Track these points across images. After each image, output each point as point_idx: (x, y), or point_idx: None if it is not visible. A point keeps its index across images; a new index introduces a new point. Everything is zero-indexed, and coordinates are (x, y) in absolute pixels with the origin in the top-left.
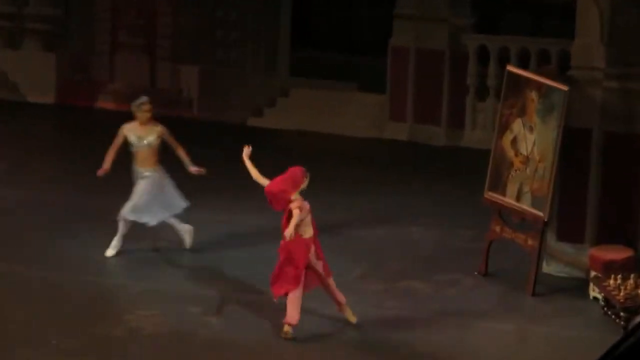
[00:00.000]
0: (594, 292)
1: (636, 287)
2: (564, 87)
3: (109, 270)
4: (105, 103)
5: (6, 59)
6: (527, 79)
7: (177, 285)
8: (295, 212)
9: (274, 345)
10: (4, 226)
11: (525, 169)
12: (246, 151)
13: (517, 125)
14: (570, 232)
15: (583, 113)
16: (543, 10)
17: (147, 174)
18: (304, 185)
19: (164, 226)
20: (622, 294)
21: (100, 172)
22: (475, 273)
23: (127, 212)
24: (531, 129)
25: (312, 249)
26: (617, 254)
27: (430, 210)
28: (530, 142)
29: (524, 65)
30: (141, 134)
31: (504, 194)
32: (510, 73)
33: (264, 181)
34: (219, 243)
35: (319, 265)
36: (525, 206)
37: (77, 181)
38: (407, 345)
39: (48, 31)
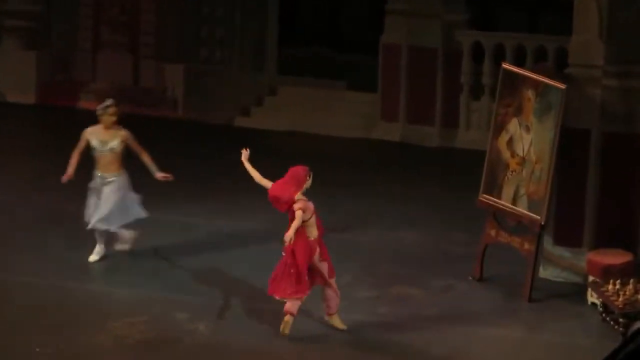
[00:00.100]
0: (592, 297)
1: (635, 292)
2: (562, 86)
3: (93, 276)
4: (87, 103)
5: None
6: (524, 77)
7: (164, 292)
8: (298, 214)
9: (264, 351)
10: None
11: (522, 170)
12: (245, 154)
13: (513, 125)
14: (568, 236)
15: (581, 112)
16: (540, 6)
17: (111, 179)
18: (307, 184)
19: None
20: (621, 299)
21: (65, 178)
22: (470, 278)
23: (97, 223)
24: (528, 129)
25: (317, 250)
26: (616, 258)
27: (423, 213)
28: (526, 142)
29: (520, 62)
30: (104, 139)
31: (499, 196)
32: (506, 71)
33: (266, 183)
34: (206, 248)
35: (323, 267)
36: (522, 209)
37: (59, 183)
38: (401, 352)
39: (28, 28)
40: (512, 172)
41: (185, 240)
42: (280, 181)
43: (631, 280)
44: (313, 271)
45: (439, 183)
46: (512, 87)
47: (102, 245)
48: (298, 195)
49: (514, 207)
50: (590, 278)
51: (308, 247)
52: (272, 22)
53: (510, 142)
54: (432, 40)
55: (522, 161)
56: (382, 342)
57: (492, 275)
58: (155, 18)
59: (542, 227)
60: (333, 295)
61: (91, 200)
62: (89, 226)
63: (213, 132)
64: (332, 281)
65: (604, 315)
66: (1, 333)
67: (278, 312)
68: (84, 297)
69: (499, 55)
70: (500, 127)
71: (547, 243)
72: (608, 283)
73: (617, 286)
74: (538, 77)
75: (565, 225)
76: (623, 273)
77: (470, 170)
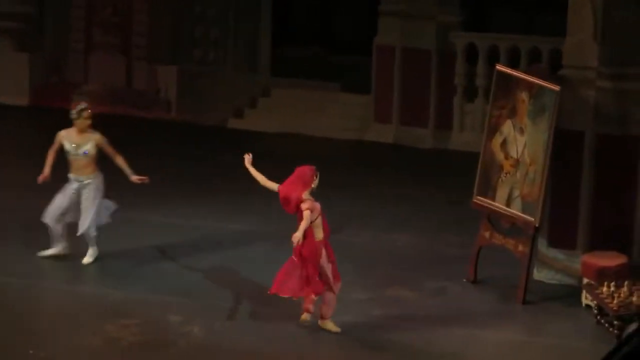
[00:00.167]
0: (586, 299)
1: (630, 294)
2: (556, 87)
3: (87, 278)
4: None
5: None
6: (518, 79)
7: (157, 294)
8: (306, 214)
9: (259, 353)
10: None
11: (516, 172)
12: (248, 158)
13: (507, 127)
14: (562, 238)
15: (575, 114)
16: (534, 7)
17: (87, 181)
18: (314, 184)
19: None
20: (615, 301)
21: (41, 179)
22: (464, 280)
23: (86, 229)
24: (522, 131)
25: (323, 252)
26: (611, 260)
27: (417, 215)
28: (520, 144)
29: (514, 64)
30: (78, 142)
31: (493, 198)
32: (500, 73)
33: (272, 185)
34: (201, 249)
35: (329, 269)
36: (516, 211)
37: (52, 185)
38: (395, 354)
39: (21, 30)
40: (506, 174)
41: (179, 242)
42: (287, 181)
43: (626, 283)
44: (320, 274)
45: (433, 185)
46: (506, 89)
47: (95, 247)
48: (305, 195)
49: (508, 209)
50: (585, 280)
51: (315, 247)
52: (266, 23)
53: (504, 143)
54: (426, 41)
55: (516, 163)
56: (376, 345)
57: (486, 277)
58: (148, 19)
59: (536, 229)
60: (332, 301)
61: (59, 201)
62: (79, 233)
63: (206, 133)
64: (337, 285)
65: (598, 317)
66: None
67: (273, 314)
68: (77, 299)
69: (493, 57)
70: (494, 129)
71: (542, 245)
72: (602, 285)
73: (612, 288)
74: (532, 79)
75: (560, 227)
76: (617, 275)
77: (464, 172)
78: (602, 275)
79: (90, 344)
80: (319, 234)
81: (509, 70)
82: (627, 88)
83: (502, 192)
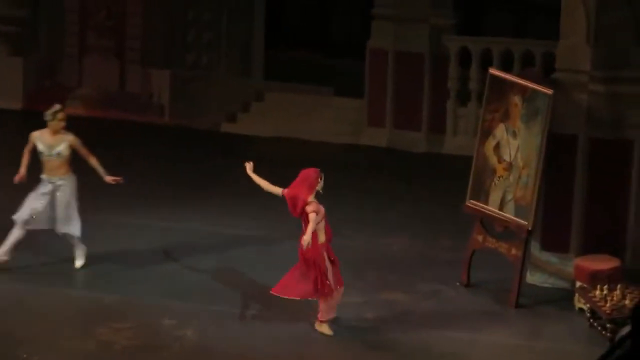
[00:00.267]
0: (579, 303)
1: (623, 298)
2: (549, 91)
3: (80, 282)
4: (73, 108)
5: None
6: (511, 83)
7: (150, 298)
8: (312, 216)
9: (252, 357)
10: None
11: (509, 176)
12: (249, 166)
13: (500, 131)
14: (555, 242)
15: (568, 118)
16: (527, 11)
17: (60, 182)
18: (319, 186)
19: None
20: (608, 305)
21: (17, 179)
22: (457, 284)
23: (65, 228)
24: (515, 135)
25: (325, 254)
26: (603, 264)
27: (410, 218)
28: (513, 148)
29: (507, 67)
30: (51, 143)
31: (486, 202)
32: (493, 76)
33: (276, 190)
34: (194, 252)
35: (330, 272)
36: (509, 214)
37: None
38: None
39: (15, 34)
40: (499, 177)
41: (172, 245)
42: (292, 185)
43: (618, 286)
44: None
45: (426, 189)
46: (499, 93)
47: (81, 248)
48: (311, 198)
49: (501, 212)
50: (578, 284)
51: (318, 251)
52: (259, 27)
53: (497, 147)
54: (419, 45)
55: (509, 167)
56: (369, 348)
57: (480, 280)
58: (142, 23)
59: (529, 233)
60: (333, 304)
61: (32, 203)
62: (76, 236)
63: (199, 138)
64: (339, 290)
65: (591, 320)
66: None
67: (267, 317)
68: (70, 302)
69: (486, 60)
70: (487, 133)
71: (535, 249)
72: (595, 289)
73: (605, 292)
74: (525, 83)
75: (553, 230)
76: (610, 279)
77: (457, 176)
78: (595, 278)
79: (83, 348)
80: (322, 237)
81: (502, 74)
82: (620, 91)
83: (495, 196)
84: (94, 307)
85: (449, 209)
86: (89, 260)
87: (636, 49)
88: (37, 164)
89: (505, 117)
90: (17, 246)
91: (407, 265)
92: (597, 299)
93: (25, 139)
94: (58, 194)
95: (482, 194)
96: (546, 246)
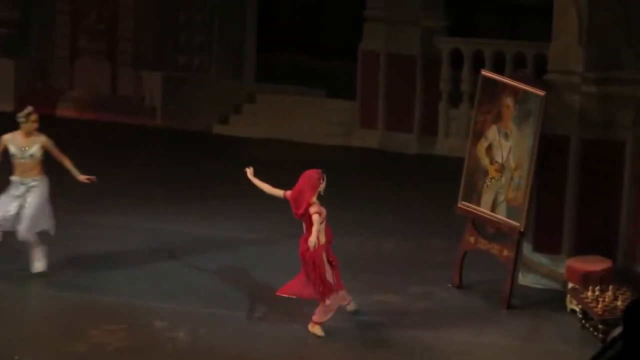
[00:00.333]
0: (571, 304)
1: (615, 299)
2: (541, 93)
3: (72, 283)
4: (65, 111)
5: None
6: (503, 84)
7: (143, 299)
8: (315, 217)
9: (243, 358)
10: None
11: (501, 177)
12: (249, 171)
13: (492, 132)
14: (547, 243)
15: (560, 119)
16: (519, 12)
17: (33, 184)
18: (321, 187)
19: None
20: (600, 306)
21: None
22: (449, 285)
23: (26, 232)
24: (507, 136)
25: (324, 254)
26: (595, 265)
27: (402, 220)
28: (505, 149)
29: (499, 69)
30: (24, 145)
31: (478, 203)
32: (485, 78)
33: (278, 192)
34: (186, 254)
35: (329, 274)
36: (501, 216)
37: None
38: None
39: (6, 36)
40: (491, 179)
41: (164, 247)
42: (296, 187)
43: (610, 287)
44: (324, 277)
45: (418, 190)
46: (491, 94)
47: (40, 251)
48: (313, 199)
49: (493, 214)
50: (570, 285)
51: (319, 252)
52: (251, 30)
53: (489, 149)
54: (411, 47)
55: (501, 168)
56: (361, 350)
57: (472, 282)
58: (133, 25)
59: (522, 234)
60: (333, 307)
61: (3, 204)
62: (20, 238)
63: (191, 140)
64: (339, 294)
65: (583, 321)
66: None
67: (257, 319)
68: (62, 304)
69: (478, 62)
70: (479, 134)
71: (527, 250)
72: (587, 290)
73: (597, 293)
74: (517, 84)
75: (545, 232)
76: (602, 280)
77: (449, 177)
78: (587, 279)
79: (75, 350)
80: (323, 238)
81: (494, 76)
82: (612, 92)
83: (487, 197)
84: (86, 309)
85: (441, 210)
86: (83, 261)
87: (628, 50)
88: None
89: (498, 119)
90: None
91: (399, 267)
92: (589, 300)
93: None
94: (30, 195)
95: (474, 196)
96: (538, 247)
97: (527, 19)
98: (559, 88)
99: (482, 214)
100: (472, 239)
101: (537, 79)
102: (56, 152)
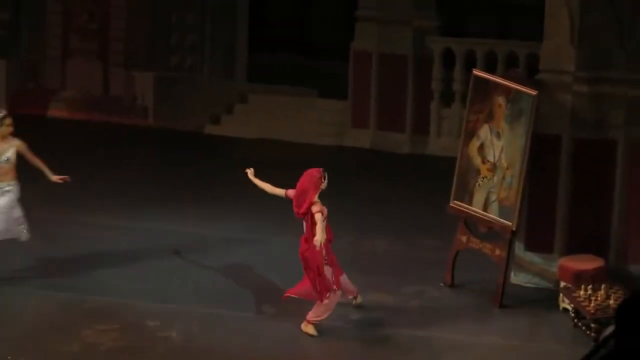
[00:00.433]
0: (563, 303)
1: (607, 297)
2: (533, 92)
3: (64, 284)
4: (57, 111)
5: None
6: (495, 84)
7: (135, 299)
8: (318, 216)
9: (234, 358)
10: None
11: (493, 176)
12: (250, 172)
13: (484, 132)
14: (539, 242)
15: (552, 118)
16: (511, 12)
17: (7, 188)
18: (323, 185)
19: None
20: (592, 305)
21: None
22: (441, 284)
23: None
24: (499, 135)
25: (323, 252)
26: (588, 264)
27: (394, 219)
28: (497, 148)
29: (491, 69)
30: (0, 150)
31: (470, 202)
32: (477, 77)
33: (279, 192)
34: (178, 254)
35: (329, 272)
36: (493, 215)
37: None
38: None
39: None
40: (483, 178)
41: (156, 247)
42: (297, 186)
43: (602, 286)
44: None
45: (410, 190)
46: (483, 94)
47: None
48: (315, 198)
49: (485, 213)
50: (562, 284)
51: (318, 251)
52: (242, 29)
53: (481, 148)
54: (403, 47)
55: (493, 167)
56: (354, 349)
57: (464, 281)
58: (125, 25)
59: (513, 233)
60: (329, 306)
61: None
62: None
63: (183, 140)
64: (337, 294)
65: (575, 320)
66: None
67: (250, 319)
68: (55, 304)
69: (470, 62)
70: (471, 134)
71: (519, 249)
72: (579, 289)
73: (589, 292)
74: (509, 84)
75: (537, 231)
76: (594, 279)
77: (441, 176)
78: (579, 278)
79: (68, 350)
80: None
81: (486, 75)
82: (604, 92)
83: (479, 197)
84: (78, 309)
85: (433, 210)
86: (74, 261)
87: (619, 49)
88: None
89: (489, 118)
90: None
91: (391, 266)
92: (581, 299)
93: None
94: (3, 199)
95: (466, 195)
96: (530, 246)
97: (519, 19)
98: (551, 87)
99: (474, 213)
100: (464, 238)
101: (529, 78)
102: (29, 155)
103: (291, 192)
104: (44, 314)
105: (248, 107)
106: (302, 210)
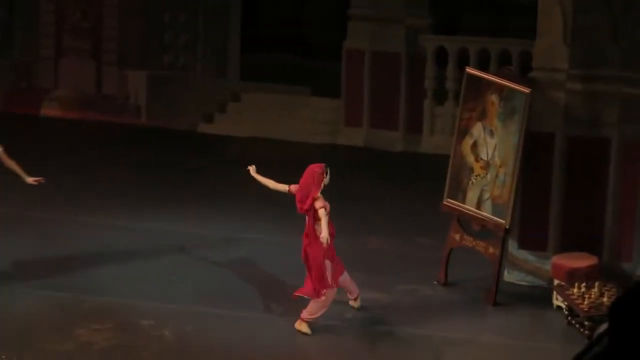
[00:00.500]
0: (557, 301)
1: (600, 295)
2: (526, 90)
3: (58, 283)
4: (50, 110)
5: None
6: (488, 81)
7: (128, 298)
8: (321, 212)
9: (231, 357)
10: None
11: (486, 174)
12: (252, 169)
13: (477, 130)
14: (533, 240)
15: (545, 116)
16: (504, 10)
17: None
18: (325, 180)
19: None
20: (586, 302)
21: None
22: (435, 282)
23: None
24: (492, 133)
25: (324, 249)
26: (581, 261)
27: (387, 218)
28: (490, 146)
29: (484, 67)
30: None
31: (463, 200)
32: (470, 75)
33: (283, 187)
34: (172, 253)
35: (328, 266)
36: (486, 213)
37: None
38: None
39: None
40: (476, 176)
41: (149, 246)
42: (301, 182)
43: (596, 284)
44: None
45: (404, 188)
46: (476, 92)
47: None
48: (318, 193)
49: (478, 211)
50: (556, 281)
51: (320, 247)
52: (235, 28)
53: (474, 146)
54: (396, 45)
55: (487, 165)
56: (348, 348)
57: (457, 279)
58: (118, 24)
59: (507, 231)
60: (326, 304)
61: None
62: None
63: (177, 138)
64: (332, 291)
65: (569, 318)
66: None
67: (244, 318)
68: (49, 303)
69: (463, 60)
70: (464, 132)
71: (512, 247)
72: (573, 286)
73: (583, 289)
74: (502, 81)
75: (530, 229)
76: (588, 276)
77: (435, 175)
78: (573, 276)
79: (62, 349)
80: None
81: (479, 73)
82: (597, 90)
83: (472, 195)
84: (72, 308)
85: (427, 208)
86: (69, 260)
87: (613, 47)
88: None
89: (483, 116)
90: None
91: (384, 265)
92: (574, 297)
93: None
94: None
95: (459, 193)
96: (524, 244)
97: (512, 17)
98: (544, 85)
99: (468, 212)
100: (457, 237)
101: (522, 76)
102: (5, 158)
103: (294, 188)
104: (37, 313)
105: (241, 105)
106: (305, 206)
